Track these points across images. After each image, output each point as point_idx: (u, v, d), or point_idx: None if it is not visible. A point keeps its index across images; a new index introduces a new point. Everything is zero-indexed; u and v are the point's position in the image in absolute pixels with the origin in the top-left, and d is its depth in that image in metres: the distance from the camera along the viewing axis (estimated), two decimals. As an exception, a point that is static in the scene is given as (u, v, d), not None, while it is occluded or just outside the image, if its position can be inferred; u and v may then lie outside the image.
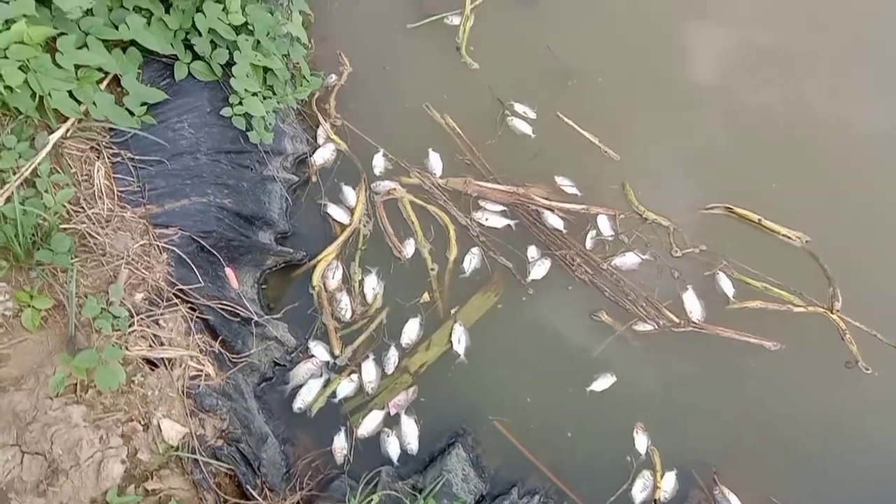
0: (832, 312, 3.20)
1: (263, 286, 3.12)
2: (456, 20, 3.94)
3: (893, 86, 4.04)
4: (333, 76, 3.69)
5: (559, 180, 3.47)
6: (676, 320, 3.13)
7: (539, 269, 3.21)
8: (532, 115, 3.69)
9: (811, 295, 3.26)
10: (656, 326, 3.12)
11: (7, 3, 2.42)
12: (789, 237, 3.37)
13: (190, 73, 2.91)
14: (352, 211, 3.33)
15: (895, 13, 4.35)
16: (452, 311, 3.13)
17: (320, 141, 3.50)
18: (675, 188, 3.54)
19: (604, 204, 3.43)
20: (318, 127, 3.54)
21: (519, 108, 3.70)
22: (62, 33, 2.52)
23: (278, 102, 3.17)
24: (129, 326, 2.33)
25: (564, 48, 3.91)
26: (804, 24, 4.20)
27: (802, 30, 4.17)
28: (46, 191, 2.33)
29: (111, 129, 2.63)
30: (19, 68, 2.36)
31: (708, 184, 3.55)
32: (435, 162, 3.48)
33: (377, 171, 3.45)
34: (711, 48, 4.07)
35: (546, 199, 3.39)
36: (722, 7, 4.25)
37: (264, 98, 3.09)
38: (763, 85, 3.94)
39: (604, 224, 3.35)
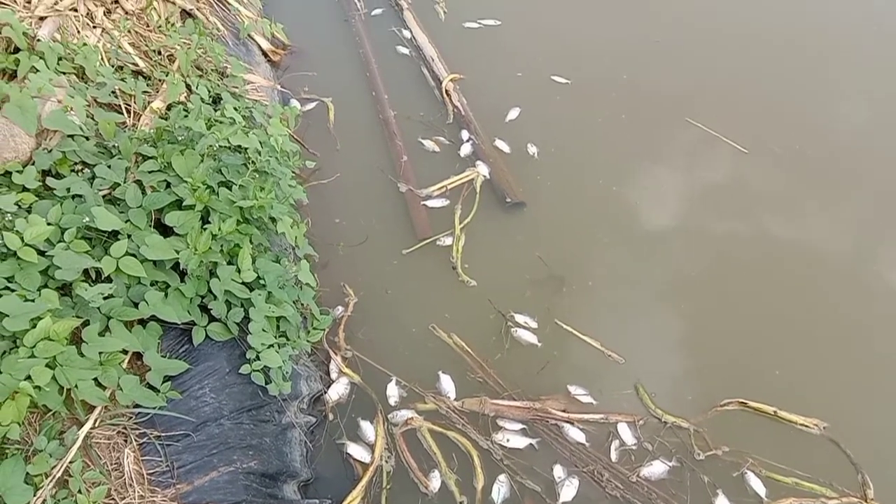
0: (866, 501, 3.17)
1: (290, 544, 2.99)
2: (448, 241, 4.14)
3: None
4: (340, 308, 3.78)
5: (573, 390, 3.51)
6: (716, 530, 3.07)
7: (568, 489, 3.16)
8: (533, 324, 3.78)
9: (842, 483, 3.25)
10: (697, 539, 3.05)
11: (32, 300, 2.50)
12: (807, 426, 3.41)
13: (207, 335, 2.96)
14: (372, 447, 3.28)
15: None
16: (488, 547, 3.03)
17: (333, 375, 3.52)
18: (685, 384, 3.60)
19: (622, 410, 3.45)
20: (329, 361, 3.57)
21: (520, 318, 3.80)
22: (85, 322, 2.59)
23: (293, 349, 3.22)
24: None
25: (553, 254, 4.11)
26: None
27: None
28: (80, 491, 2.27)
29: (136, 408, 2.62)
30: (47, 365, 2.38)
31: (716, 375, 3.62)
32: (447, 384, 3.51)
33: (392, 400, 3.45)
34: (693, 235, 4.32)
35: (564, 411, 3.41)
36: (694, 188, 4.56)
37: (280, 347, 3.13)
38: (750, 262, 4.17)
39: (625, 432, 3.36)
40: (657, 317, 3.90)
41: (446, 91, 5.07)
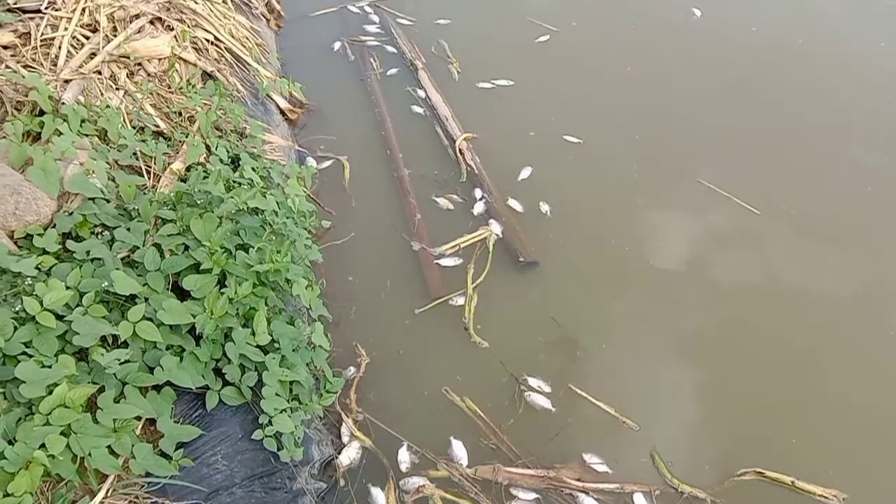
0: (891, 579, 3.09)
1: None
2: (461, 300, 4.14)
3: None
4: (352, 368, 3.77)
5: (588, 458, 3.46)
6: None
7: (584, 562, 3.10)
8: (547, 388, 3.75)
9: (865, 560, 3.17)
10: None
11: (49, 366, 2.51)
12: (826, 497, 3.34)
13: (220, 400, 2.96)
14: (383, 515, 3.24)
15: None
16: None
17: (345, 439, 3.49)
18: (702, 452, 3.54)
19: (637, 479, 3.39)
20: (340, 424, 3.54)
21: (533, 382, 3.77)
22: (101, 388, 2.59)
23: (305, 413, 3.20)
24: None
25: (567, 315, 4.09)
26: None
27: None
28: (89, 565, 2.24)
29: (148, 477, 2.60)
30: (61, 433, 2.38)
31: (733, 443, 3.57)
32: (459, 451, 3.46)
33: (403, 466, 3.41)
34: (707, 296, 4.30)
35: (579, 480, 3.35)
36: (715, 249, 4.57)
37: (292, 411, 3.11)
38: (762, 324, 4.14)
39: (641, 503, 3.29)
40: (673, 381, 3.86)
41: (460, 150, 5.14)
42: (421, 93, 5.74)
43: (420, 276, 4.32)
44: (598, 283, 4.36)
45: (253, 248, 3.23)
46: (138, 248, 3.05)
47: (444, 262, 4.39)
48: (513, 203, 4.80)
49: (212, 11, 4.95)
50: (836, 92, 6.07)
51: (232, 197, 3.23)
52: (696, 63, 6.27)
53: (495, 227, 4.61)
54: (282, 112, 5.22)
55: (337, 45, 6.21)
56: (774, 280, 4.43)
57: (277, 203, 3.59)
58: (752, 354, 4.00)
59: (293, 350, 3.23)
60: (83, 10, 4.13)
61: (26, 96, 3.52)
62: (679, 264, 4.50)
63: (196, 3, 4.83)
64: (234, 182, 3.77)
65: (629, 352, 4.00)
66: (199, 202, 3.29)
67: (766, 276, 4.46)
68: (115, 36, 4.13)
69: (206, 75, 4.54)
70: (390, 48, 6.22)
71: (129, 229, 3.11)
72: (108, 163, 3.41)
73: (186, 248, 3.12)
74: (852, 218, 4.90)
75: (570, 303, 4.21)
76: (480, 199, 4.81)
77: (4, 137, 3.39)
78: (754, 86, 6.05)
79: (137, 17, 4.31)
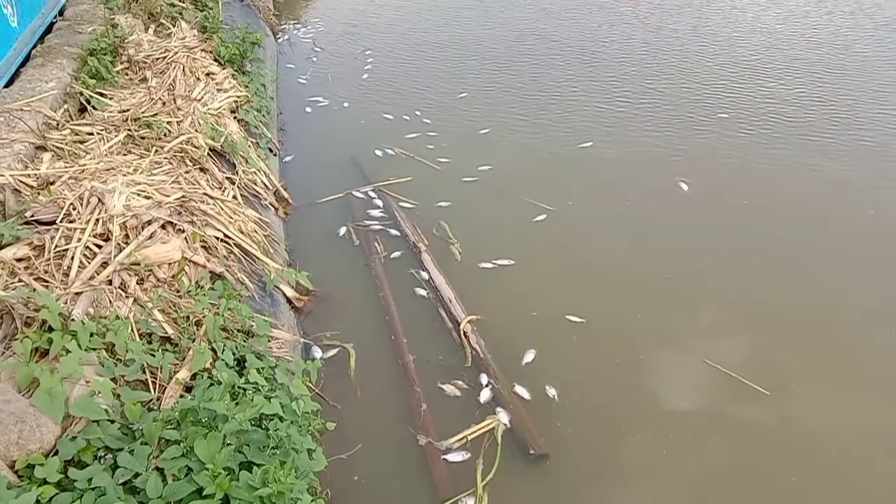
0: None
1: None
2: (470, 502, 4.00)
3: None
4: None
5: None
6: None
7: None
8: None
9: None
10: None
11: None
12: None
13: None
14: None
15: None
16: None
17: None
18: None
19: None
20: None
21: None
22: None
23: None
24: None
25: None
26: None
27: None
28: None
29: None
30: None
31: None
32: None
33: None
34: (728, 485, 4.16)
35: None
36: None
37: None
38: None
39: None
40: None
41: (464, 333, 5.17)
42: (424, 274, 5.86)
43: (427, 473, 4.20)
44: (611, 475, 4.24)
45: (257, 465, 3.16)
46: (140, 473, 2.99)
47: (452, 457, 4.29)
48: (519, 390, 4.75)
49: (222, 210, 5.17)
50: (832, 259, 6.19)
51: (235, 416, 3.20)
52: (691, 237, 6.45)
53: (503, 417, 4.55)
54: (289, 300, 5.31)
55: (342, 230, 6.42)
56: (796, 463, 4.30)
57: (282, 406, 3.56)
58: None
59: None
60: (97, 220, 4.31)
61: (37, 312, 3.59)
62: (694, 451, 4.38)
63: (206, 203, 5.06)
64: (240, 388, 3.76)
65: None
66: (203, 420, 3.26)
67: (785, 461, 4.34)
68: (126, 243, 4.28)
69: (215, 276, 4.66)
70: (394, 231, 6.43)
71: (132, 452, 3.07)
72: (114, 379, 3.42)
73: (189, 470, 3.06)
74: (863, 375, 4.86)
75: (583, 500, 4.06)
76: (486, 386, 4.78)
77: (13, 355, 3.44)
78: (751, 258, 6.17)
79: (150, 222, 4.49)
